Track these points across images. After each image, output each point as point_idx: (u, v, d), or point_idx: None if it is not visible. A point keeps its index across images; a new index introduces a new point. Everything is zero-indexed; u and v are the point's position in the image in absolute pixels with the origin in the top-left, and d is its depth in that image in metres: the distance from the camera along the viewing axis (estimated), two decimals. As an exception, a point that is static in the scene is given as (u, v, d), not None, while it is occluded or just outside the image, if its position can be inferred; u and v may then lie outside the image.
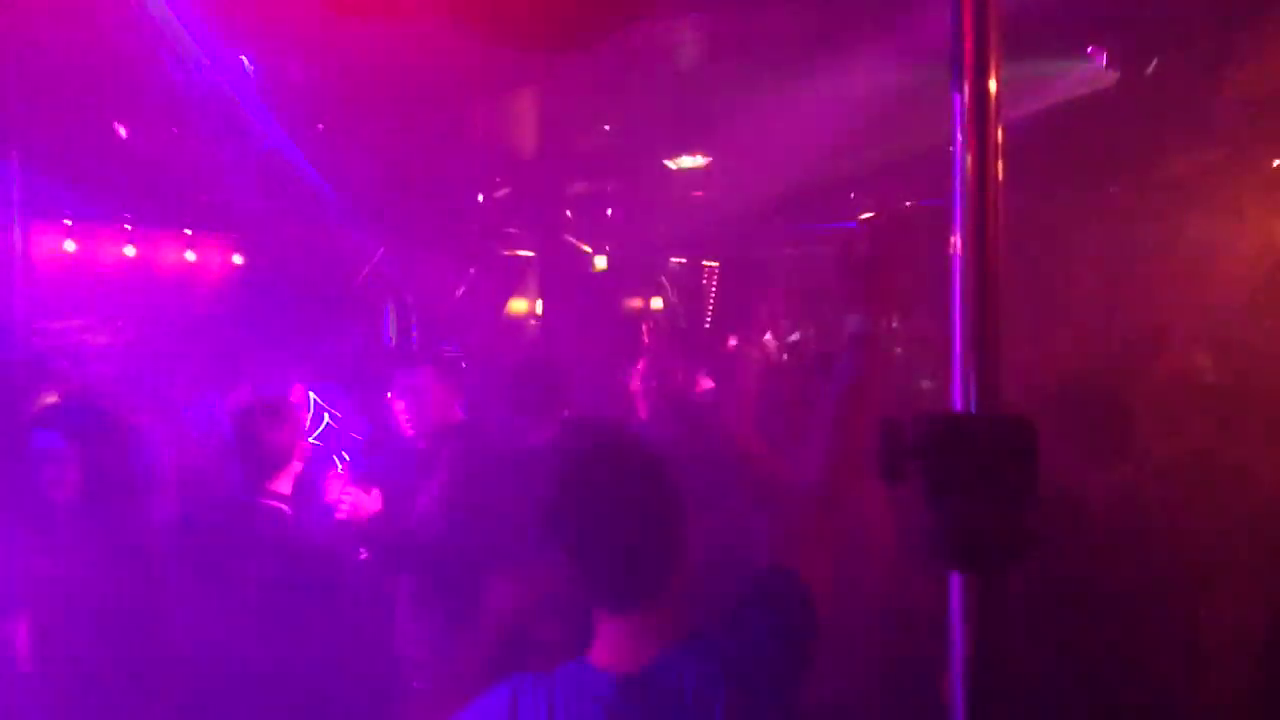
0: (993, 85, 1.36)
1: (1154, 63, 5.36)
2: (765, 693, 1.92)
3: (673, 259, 12.00)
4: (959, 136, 1.36)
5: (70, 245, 8.33)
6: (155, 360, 6.81)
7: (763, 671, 1.93)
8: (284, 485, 3.68)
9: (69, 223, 8.27)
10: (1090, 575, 2.80)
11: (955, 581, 1.38)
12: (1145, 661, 2.81)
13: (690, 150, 7.66)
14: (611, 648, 1.96)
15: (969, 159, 1.36)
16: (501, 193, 8.95)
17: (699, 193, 8.85)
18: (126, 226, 8.64)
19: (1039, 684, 2.50)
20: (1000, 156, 1.36)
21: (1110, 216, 7.60)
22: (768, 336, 7.13)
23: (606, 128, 7.10)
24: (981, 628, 1.33)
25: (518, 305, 11.23)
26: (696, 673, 1.91)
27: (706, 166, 7.92)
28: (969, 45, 1.37)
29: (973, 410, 1.33)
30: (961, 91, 1.37)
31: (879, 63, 5.32)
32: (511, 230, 10.65)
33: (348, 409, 4.85)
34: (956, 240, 1.37)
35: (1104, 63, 5.36)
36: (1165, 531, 3.24)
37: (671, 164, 7.87)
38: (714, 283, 11.80)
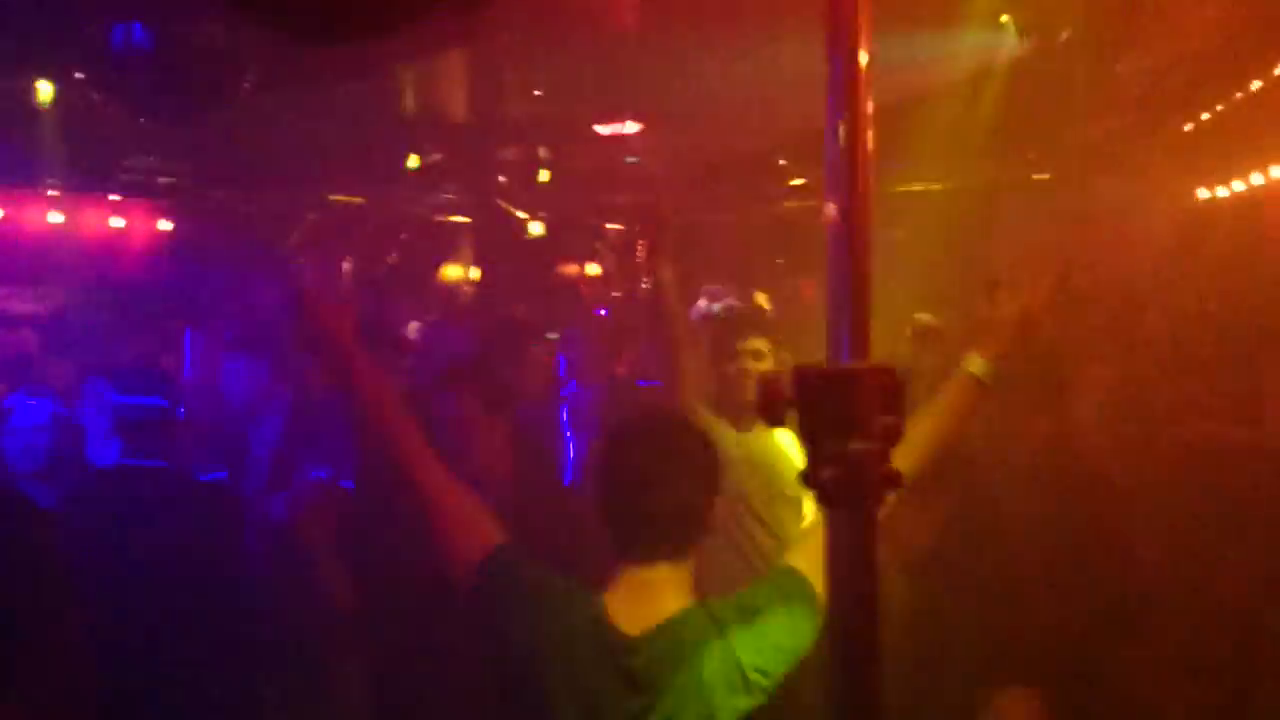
0: (864, 57, 1.44)
1: (1066, 32, 5.50)
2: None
3: (609, 225, 12.03)
4: (831, 106, 1.45)
5: (-6, 212, 8.15)
6: (82, 329, 6.71)
7: (765, 657, 2.02)
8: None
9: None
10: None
11: (830, 518, 1.49)
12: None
13: (621, 116, 7.69)
14: (630, 601, 2.05)
15: (841, 128, 1.44)
16: (433, 158, 8.92)
17: (632, 158, 8.90)
18: (52, 193, 8.46)
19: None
20: (870, 126, 1.44)
21: (1026, 183, 7.78)
22: (702, 302, 7.21)
23: (537, 92, 7.11)
24: (852, 563, 1.44)
25: (452, 271, 11.21)
26: (705, 636, 2.00)
27: (637, 132, 7.96)
28: (842, 16, 1.44)
29: (844, 361, 1.44)
30: (835, 61, 1.45)
31: (805, 28, 5.38)
32: (446, 195, 10.62)
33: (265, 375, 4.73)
34: (830, 207, 1.46)
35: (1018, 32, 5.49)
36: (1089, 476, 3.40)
37: (603, 129, 7.90)
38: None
